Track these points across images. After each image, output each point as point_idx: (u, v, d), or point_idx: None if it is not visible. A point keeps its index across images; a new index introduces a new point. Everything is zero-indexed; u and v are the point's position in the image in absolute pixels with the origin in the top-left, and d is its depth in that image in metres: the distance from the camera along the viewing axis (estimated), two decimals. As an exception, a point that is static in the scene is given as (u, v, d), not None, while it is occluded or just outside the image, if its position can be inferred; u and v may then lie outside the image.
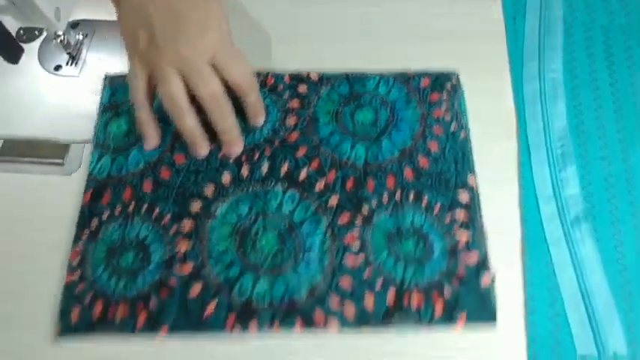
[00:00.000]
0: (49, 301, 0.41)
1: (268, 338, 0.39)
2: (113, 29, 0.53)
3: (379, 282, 0.40)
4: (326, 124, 0.47)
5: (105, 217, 0.43)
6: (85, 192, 0.44)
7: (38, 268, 0.42)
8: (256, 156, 0.45)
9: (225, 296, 0.40)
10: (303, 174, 0.45)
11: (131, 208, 0.43)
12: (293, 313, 0.39)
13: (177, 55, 0.41)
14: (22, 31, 0.53)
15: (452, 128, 0.46)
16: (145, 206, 0.43)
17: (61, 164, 0.47)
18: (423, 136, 0.46)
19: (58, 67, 0.52)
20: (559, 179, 0.45)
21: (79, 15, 0.54)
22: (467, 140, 0.46)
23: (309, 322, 0.39)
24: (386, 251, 0.41)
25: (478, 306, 0.40)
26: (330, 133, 0.46)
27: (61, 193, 0.45)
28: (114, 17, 0.50)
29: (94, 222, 0.43)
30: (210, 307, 0.40)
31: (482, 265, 0.41)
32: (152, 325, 0.39)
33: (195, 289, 0.40)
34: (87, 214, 0.43)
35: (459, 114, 0.47)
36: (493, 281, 0.40)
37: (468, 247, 0.41)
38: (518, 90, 0.49)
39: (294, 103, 0.48)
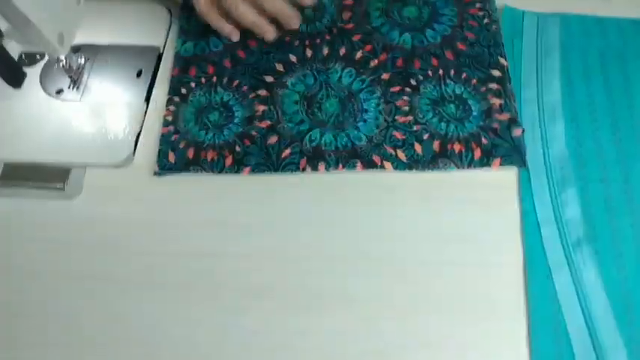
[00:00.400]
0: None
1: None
2: (115, 53, 0.54)
3: (426, 135, 0.48)
4: (376, 17, 0.55)
5: (193, 85, 0.51)
6: (174, 67, 0.53)
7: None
8: (317, 40, 0.54)
9: (297, 144, 0.48)
10: (359, 54, 0.53)
11: (214, 79, 0.52)
12: (354, 156, 0.47)
13: None
14: (23, 56, 0.53)
15: (485, 21, 0.54)
16: (226, 79, 0.52)
17: (62, 189, 0.47)
18: (460, 27, 0.54)
19: (59, 91, 0.52)
20: (559, 202, 0.45)
21: (80, 39, 0.54)
22: (498, 31, 0.53)
23: (368, 164, 0.46)
24: (431, 113, 0.49)
25: (511, 152, 0.46)
26: (380, 24, 0.54)
27: (62, 218, 0.45)
28: (116, 41, 0.51)
29: (184, 89, 0.51)
30: (286, 152, 0.47)
31: (514, 121, 0.48)
32: (237, 167, 0.47)
33: (273, 139, 0.48)
34: (176, 83, 0.52)
35: (490, 12, 0.55)
36: (523, 131, 0.47)
37: (501, 109, 0.48)
38: (517, 113, 0.49)
39: (348, 0, 0.57)
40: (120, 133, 0.49)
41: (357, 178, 0.47)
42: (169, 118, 0.50)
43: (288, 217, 0.45)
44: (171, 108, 0.50)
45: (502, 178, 0.46)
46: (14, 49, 0.51)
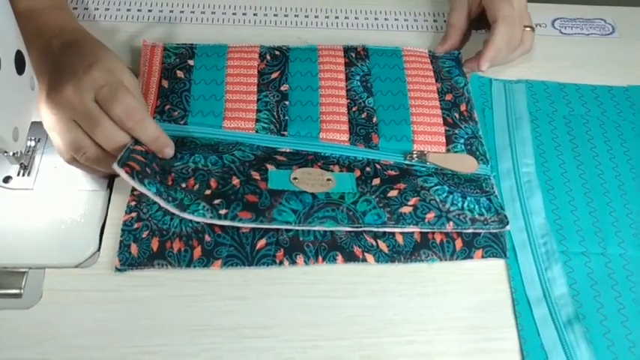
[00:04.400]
0: None
1: None
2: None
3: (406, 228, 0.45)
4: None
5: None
6: None
7: None
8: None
9: (273, 233, 0.44)
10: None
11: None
12: (334, 247, 0.45)
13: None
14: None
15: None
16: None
17: (19, 295, 0.41)
18: None
19: (7, 179, 0.47)
20: (546, 279, 0.45)
21: (29, 118, 0.49)
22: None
23: (349, 257, 0.44)
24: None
25: (493, 242, 0.46)
26: None
27: (21, 330, 0.40)
28: None
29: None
30: (262, 242, 0.44)
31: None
32: (207, 259, 0.43)
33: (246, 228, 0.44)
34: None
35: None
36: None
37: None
38: (498, 188, 0.49)
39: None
40: (81, 226, 0.45)
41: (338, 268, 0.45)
42: (133, 204, 0.45)
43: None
44: (136, 192, 0.46)
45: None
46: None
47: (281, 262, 0.44)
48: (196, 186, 0.45)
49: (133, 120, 0.43)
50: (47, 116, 0.43)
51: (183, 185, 0.45)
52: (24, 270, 0.43)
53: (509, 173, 0.50)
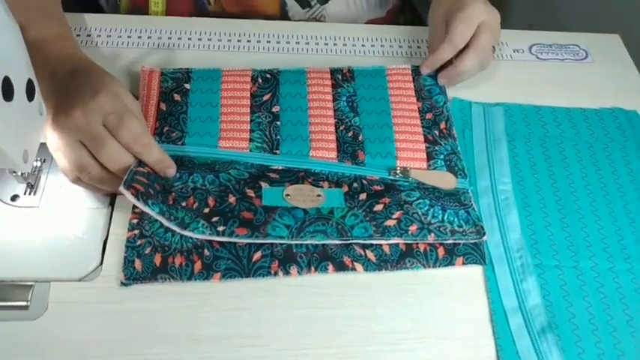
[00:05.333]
0: None
1: None
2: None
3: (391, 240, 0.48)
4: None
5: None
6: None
7: None
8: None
9: (268, 246, 0.47)
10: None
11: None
12: (325, 258, 0.47)
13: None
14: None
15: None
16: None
17: (26, 307, 0.44)
18: None
19: (14, 197, 0.49)
20: (522, 290, 0.48)
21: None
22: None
23: (339, 266, 0.47)
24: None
25: (472, 250, 0.49)
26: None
27: (28, 340, 0.43)
28: None
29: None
30: (257, 255, 0.47)
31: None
32: (207, 272, 0.46)
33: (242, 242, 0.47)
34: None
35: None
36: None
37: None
38: (476, 204, 0.53)
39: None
40: (85, 241, 0.47)
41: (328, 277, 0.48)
42: (135, 221, 0.48)
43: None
44: (138, 210, 0.49)
45: (467, 268, 0.49)
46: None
47: (276, 273, 0.47)
48: (195, 204, 0.48)
49: (139, 145, 0.46)
50: (53, 138, 0.46)
51: (184, 204, 0.48)
52: (30, 283, 0.45)
53: (487, 191, 0.54)
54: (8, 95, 0.38)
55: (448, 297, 0.48)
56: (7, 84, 0.38)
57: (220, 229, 0.46)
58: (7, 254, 0.46)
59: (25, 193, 0.50)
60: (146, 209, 0.45)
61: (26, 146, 0.42)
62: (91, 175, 0.46)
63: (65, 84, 0.48)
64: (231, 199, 0.48)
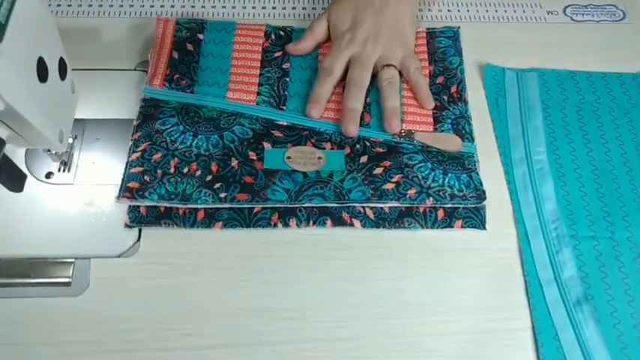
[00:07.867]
0: None
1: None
2: (105, 128, 0.52)
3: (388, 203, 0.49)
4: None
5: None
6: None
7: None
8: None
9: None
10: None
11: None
12: (325, 213, 0.48)
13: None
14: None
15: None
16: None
17: (69, 284, 0.45)
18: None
19: (49, 175, 0.50)
20: (557, 261, 0.48)
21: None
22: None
23: (337, 221, 0.48)
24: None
25: (472, 214, 0.49)
26: None
27: (73, 315, 0.44)
28: (103, 115, 0.52)
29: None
30: (258, 207, 0.48)
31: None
32: (209, 221, 0.48)
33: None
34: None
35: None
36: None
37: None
38: (509, 174, 0.52)
39: None
40: (121, 218, 0.48)
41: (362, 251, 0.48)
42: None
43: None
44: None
45: (503, 240, 0.49)
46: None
47: (275, 225, 0.48)
48: (198, 172, 0.49)
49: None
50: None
51: (186, 170, 0.49)
52: (71, 260, 0.46)
53: (522, 161, 0.53)
54: (43, 76, 0.38)
55: (483, 269, 0.48)
56: (42, 65, 0.37)
57: (222, 195, 0.48)
58: (45, 231, 0.47)
59: (59, 171, 0.50)
60: (145, 203, 0.47)
61: (61, 125, 0.42)
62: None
63: None
64: (234, 162, 0.50)
